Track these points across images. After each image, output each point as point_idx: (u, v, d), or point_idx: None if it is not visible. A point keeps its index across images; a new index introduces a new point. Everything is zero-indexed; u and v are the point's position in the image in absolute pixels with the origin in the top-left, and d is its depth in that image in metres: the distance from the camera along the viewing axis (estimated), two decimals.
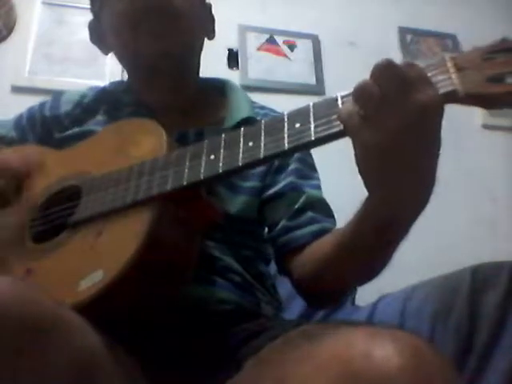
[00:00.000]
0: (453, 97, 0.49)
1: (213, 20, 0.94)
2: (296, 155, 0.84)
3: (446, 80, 0.50)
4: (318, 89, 2.09)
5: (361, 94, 0.50)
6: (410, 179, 0.52)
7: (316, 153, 0.77)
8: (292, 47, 2.16)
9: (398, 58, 2.18)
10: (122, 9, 0.80)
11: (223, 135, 0.60)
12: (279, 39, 2.16)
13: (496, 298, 0.89)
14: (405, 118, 0.48)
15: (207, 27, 0.92)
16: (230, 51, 2.07)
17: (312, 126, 0.54)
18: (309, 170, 0.85)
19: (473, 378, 0.84)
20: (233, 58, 2.07)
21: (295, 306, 1.11)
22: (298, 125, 0.55)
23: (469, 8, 2.38)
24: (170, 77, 0.84)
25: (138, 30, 0.79)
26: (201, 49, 0.90)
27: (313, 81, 2.11)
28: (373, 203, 0.56)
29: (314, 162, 0.89)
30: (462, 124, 2.19)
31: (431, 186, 0.53)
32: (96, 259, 0.59)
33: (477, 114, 2.26)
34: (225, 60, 2.06)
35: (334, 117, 0.52)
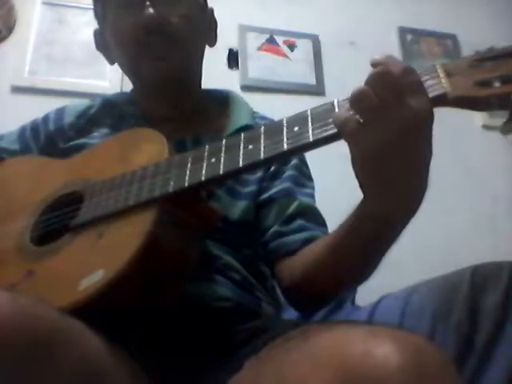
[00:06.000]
0: (443, 99, 0.53)
1: (215, 24, 0.95)
2: (293, 163, 0.85)
3: (436, 84, 0.53)
4: (317, 89, 2.09)
5: (357, 101, 0.51)
6: (403, 180, 0.53)
7: (316, 156, 0.77)
8: (292, 47, 2.16)
9: (398, 58, 2.17)
10: (123, 28, 0.81)
11: (224, 140, 0.61)
12: (279, 39, 2.16)
13: (496, 297, 0.89)
14: (399, 123, 0.50)
15: (208, 35, 0.93)
16: (230, 51, 2.07)
17: (310, 128, 0.55)
18: (304, 178, 0.86)
19: (473, 378, 0.84)
20: (233, 58, 2.07)
21: None
22: (296, 128, 0.57)
23: (469, 8, 2.38)
24: (172, 92, 0.86)
25: (139, 52, 0.81)
26: (202, 58, 0.90)
27: (313, 81, 2.10)
28: (368, 204, 0.58)
29: (310, 171, 0.90)
30: (462, 125, 2.19)
31: (424, 187, 0.55)
32: (97, 259, 0.59)
33: (477, 115, 2.26)
34: (225, 60, 2.06)
35: (331, 120, 0.54)
